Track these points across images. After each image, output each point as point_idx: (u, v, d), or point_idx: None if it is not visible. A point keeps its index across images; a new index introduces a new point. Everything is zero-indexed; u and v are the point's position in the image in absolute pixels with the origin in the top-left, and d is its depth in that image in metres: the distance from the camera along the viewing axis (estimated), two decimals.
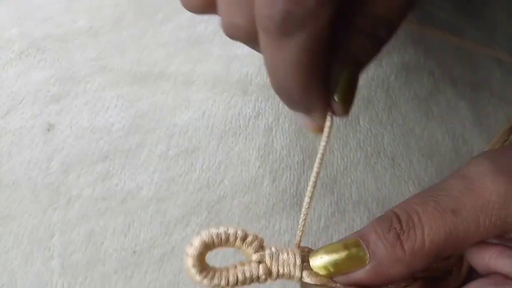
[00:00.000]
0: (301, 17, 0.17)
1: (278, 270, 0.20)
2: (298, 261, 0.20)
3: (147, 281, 0.27)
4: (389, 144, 0.31)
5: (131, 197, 0.29)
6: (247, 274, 0.20)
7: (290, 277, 0.20)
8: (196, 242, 0.19)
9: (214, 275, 0.19)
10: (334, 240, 0.28)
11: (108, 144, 0.30)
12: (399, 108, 0.33)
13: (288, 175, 0.30)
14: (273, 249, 0.20)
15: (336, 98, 0.20)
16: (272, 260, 0.20)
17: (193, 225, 0.29)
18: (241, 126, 0.31)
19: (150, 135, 0.30)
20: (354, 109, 0.32)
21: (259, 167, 0.30)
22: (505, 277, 0.21)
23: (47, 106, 0.30)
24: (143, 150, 0.30)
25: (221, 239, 0.19)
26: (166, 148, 0.30)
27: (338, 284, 0.21)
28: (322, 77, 0.20)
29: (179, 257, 0.28)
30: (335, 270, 0.20)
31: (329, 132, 0.21)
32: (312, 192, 0.21)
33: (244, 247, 0.20)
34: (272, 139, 0.31)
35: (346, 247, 0.20)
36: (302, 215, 0.21)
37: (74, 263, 0.27)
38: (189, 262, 0.19)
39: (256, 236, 0.20)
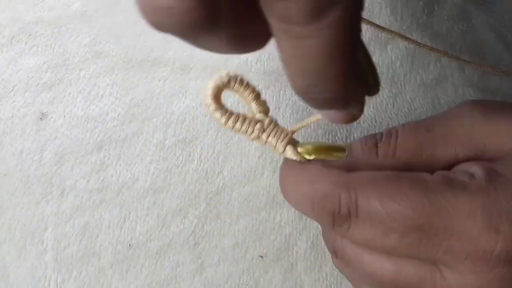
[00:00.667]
0: None
1: (267, 139, 0.22)
2: (285, 141, 0.23)
3: (143, 275, 0.26)
4: None
5: (126, 189, 0.28)
6: (243, 127, 0.22)
7: (274, 149, 0.23)
8: (223, 75, 0.20)
9: (222, 109, 0.21)
10: None
11: (103, 133, 0.29)
12: (405, 96, 0.31)
13: None
14: (273, 119, 0.22)
15: (370, 80, 0.21)
16: (267, 128, 0.22)
17: (191, 217, 0.28)
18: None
19: (146, 124, 0.29)
20: None
21: (259, 157, 0.29)
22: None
23: (39, 94, 0.29)
24: (139, 139, 0.29)
25: (242, 82, 0.21)
26: (163, 137, 0.29)
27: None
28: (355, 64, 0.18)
29: (176, 250, 0.27)
30: (315, 154, 0.22)
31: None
32: None
33: (253, 103, 0.22)
34: None
35: (332, 144, 0.24)
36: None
37: (68, 257, 0.26)
38: (210, 88, 0.20)
39: (265, 102, 0.22)
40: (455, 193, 0.19)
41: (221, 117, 0.21)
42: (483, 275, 0.19)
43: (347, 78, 0.17)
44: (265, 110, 0.22)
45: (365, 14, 0.33)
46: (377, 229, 0.20)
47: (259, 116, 0.22)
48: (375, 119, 0.30)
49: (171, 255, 0.27)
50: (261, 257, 0.27)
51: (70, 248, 0.26)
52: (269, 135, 0.22)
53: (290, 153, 0.23)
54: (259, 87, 0.30)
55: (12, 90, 0.29)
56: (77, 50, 0.30)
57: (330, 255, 0.25)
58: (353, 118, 0.21)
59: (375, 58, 0.32)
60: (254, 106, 0.22)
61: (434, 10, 0.34)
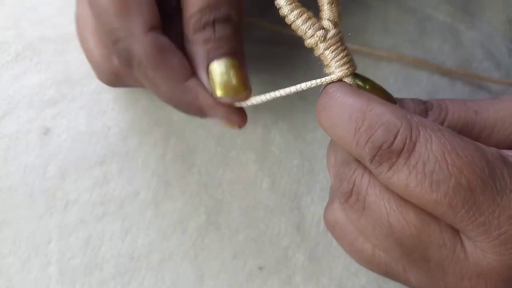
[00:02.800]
0: (123, 50, 0.23)
1: (324, 51, 0.20)
2: (341, 62, 0.20)
3: (145, 286, 0.26)
4: None
5: (128, 202, 0.28)
6: (303, 27, 0.19)
7: (326, 66, 0.20)
8: None
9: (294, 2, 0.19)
10: (334, 244, 0.28)
11: (105, 148, 0.29)
12: None
13: (287, 178, 0.30)
14: (339, 33, 0.20)
15: (217, 94, 0.23)
16: (332, 39, 0.20)
17: (191, 229, 0.28)
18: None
19: (148, 138, 0.29)
20: None
21: (257, 170, 0.29)
22: None
23: (43, 110, 0.29)
24: (140, 153, 0.29)
25: None
26: (164, 151, 0.29)
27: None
28: (188, 77, 0.23)
29: (177, 262, 0.27)
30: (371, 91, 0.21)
31: None
32: None
33: (325, 6, 0.20)
34: (271, 142, 0.30)
35: (387, 95, 0.22)
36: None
37: (72, 269, 0.26)
38: None
39: (339, 11, 0.20)
40: (509, 172, 0.18)
41: (285, 4, 0.19)
42: (506, 261, 0.18)
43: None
44: (336, 20, 0.20)
45: (359, 31, 0.33)
46: (426, 178, 0.18)
47: (326, 23, 0.20)
48: None
49: (172, 267, 0.27)
50: (260, 268, 0.27)
51: (74, 260, 0.26)
52: (327, 48, 0.20)
53: (344, 77, 0.20)
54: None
55: (16, 106, 0.29)
56: (80, 66, 0.31)
57: (334, 197, 0.23)
58: (235, 125, 0.25)
59: (369, 74, 0.32)
60: (325, 9, 0.20)
61: (425, 27, 0.35)
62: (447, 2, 0.35)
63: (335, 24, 0.20)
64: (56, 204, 0.27)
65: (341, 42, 0.20)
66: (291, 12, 0.19)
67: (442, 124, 0.21)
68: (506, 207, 0.18)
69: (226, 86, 0.23)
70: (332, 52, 0.20)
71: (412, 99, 0.22)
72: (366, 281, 0.27)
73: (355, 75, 0.20)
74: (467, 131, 0.21)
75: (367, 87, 0.21)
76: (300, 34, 0.19)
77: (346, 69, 0.20)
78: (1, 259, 0.26)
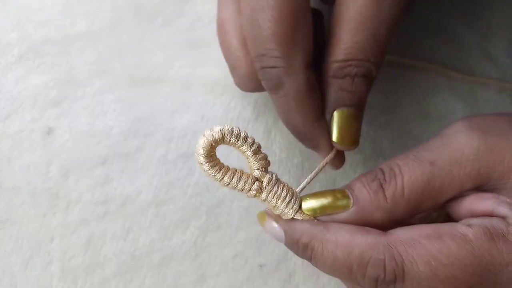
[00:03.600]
0: (276, 78, 0.23)
1: (267, 197, 0.21)
2: (295, 206, 0.21)
3: (146, 285, 0.26)
4: (387, 147, 0.31)
5: (130, 201, 0.28)
6: (240, 184, 0.20)
7: (274, 208, 0.21)
8: (217, 131, 0.19)
9: (216, 166, 0.19)
10: None
11: (107, 148, 0.29)
12: (398, 111, 0.32)
13: (287, 177, 0.30)
14: (274, 176, 0.21)
15: (333, 138, 0.23)
16: (268, 186, 0.21)
17: (192, 229, 0.28)
18: (241, 129, 0.30)
19: (149, 138, 0.29)
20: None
21: None
22: (487, 213, 0.21)
23: (46, 110, 0.30)
24: (142, 154, 0.29)
25: (239, 137, 0.19)
26: (165, 151, 0.29)
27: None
28: (319, 119, 0.23)
29: (178, 261, 0.27)
30: (321, 212, 0.21)
31: (323, 166, 0.24)
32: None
33: (251, 159, 0.20)
34: (271, 141, 0.30)
35: (333, 194, 0.22)
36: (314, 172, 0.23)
37: (74, 267, 0.26)
38: (202, 145, 0.19)
39: (266, 157, 0.20)
40: (498, 247, 0.19)
41: (215, 174, 0.19)
42: None
43: (302, 129, 0.24)
44: (265, 166, 0.20)
45: None
46: None
47: (257, 173, 0.20)
48: (369, 133, 0.31)
49: (173, 265, 0.27)
50: (261, 267, 0.27)
51: (76, 258, 0.27)
52: (268, 194, 0.21)
53: (294, 214, 0.21)
54: (258, 103, 0.31)
55: (20, 106, 0.30)
56: (82, 68, 0.31)
57: None
58: (334, 167, 0.25)
59: None
60: (252, 161, 0.20)
61: (425, 28, 0.35)
62: (446, 3, 0.35)
63: (266, 170, 0.20)
64: (58, 203, 0.28)
65: (277, 183, 0.21)
66: (223, 177, 0.20)
67: (402, 192, 0.21)
68: (508, 279, 0.19)
69: (343, 133, 0.23)
70: (273, 196, 0.21)
71: (362, 181, 0.22)
72: None
73: (304, 204, 0.22)
74: (429, 188, 0.21)
75: (319, 215, 0.22)
76: (239, 191, 0.20)
77: (292, 206, 0.21)
78: (4, 257, 0.26)
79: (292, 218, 0.21)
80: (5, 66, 0.30)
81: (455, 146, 0.21)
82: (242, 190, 0.20)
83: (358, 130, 0.24)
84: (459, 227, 0.20)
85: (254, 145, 0.20)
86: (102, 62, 0.31)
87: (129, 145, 0.29)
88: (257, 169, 0.20)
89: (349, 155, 0.30)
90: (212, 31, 0.32)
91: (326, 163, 0.24)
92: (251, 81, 0.25)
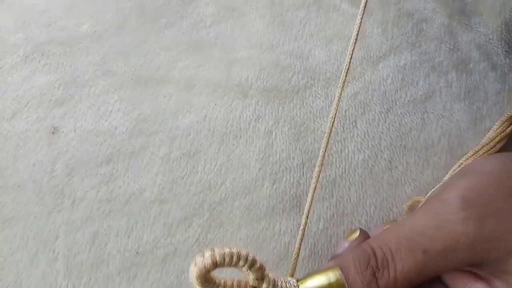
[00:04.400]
0: None
1: None
2: None
3: (150, 282, 0.27)
4: (386, 147, 0.31)
5: (134, 199, 0.28)
6: None
7: None
8: (208, 259, 0.18)
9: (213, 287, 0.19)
10: (333, 242, 0.28)
11: (111, 147, 0.29)
12: (396, 111, 0.32)
13: (288, 177, 0.30)
14: (270, 277, 0.21)
15: None
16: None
17: (195, 226, 0.28)
18: (242, 129, 0.30)
19: (153, 138, 0.30)
20: (352, 112, 0.32)
21: (259, 169, 0.30)
22: None
23: (51, 110, 0.30)
24: (146, 152, 0.29)
25: (232, 260, 0.19)
26: (169, 150, 0.30)
27: None
28: None
29: (181, 258, 0.27)
30: None
31: None
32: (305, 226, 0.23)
33: (246, 271, 0.20)
34: (272, 142, 0.31)
35: (327, 275, 0.21)
36: (296, 248, 0.23)
37: (79, 264, 0.27)
38: (195, 274, 0.18)
39: (262, 266, 0.20)
40: None
41: None
42: None
43: None
44: (261, 275, 0.20)
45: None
46: None
47: (253, 282, 0.20)
48: (368, 133, 0.31)
49: (177, 262, 0.27)
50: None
51: (80, 255, 0.27)
52: None
53: None
54: (259, 104, 0.31)
55: (25, 106, 0.30)
56: (87, 68, 0.31)
57: None
58: None
59: (368, 76, 0.33)
60: (248, 274, 0.20)
61: (423, 29, 0.35)
62: (444, 4, 0.35)
63: (262, 278, 0.20)
64: (63, 201, 0.28)
65: (274, 286, 0.21)
66: None
67: (395, 283, 0.21)
68: None
69: None
70: None
71: (355, 264, 0.21)
72: None
73: None
74: (422, 275, 0.21)
75: None
76: None
77: None
78: (10, 255, 0.27)
79: None
80: (11, 66, 0.31)
81: (450, 234, 0.21)
82: None
83: None
84: None
85: (248, 260, 0.19)
86: (106, 62, 0.31)
87: (133, 144, 0.29)
88: (254, 279, 0.20)
89: (348, 156, 0.30)
90: (214, 33, 0.33)
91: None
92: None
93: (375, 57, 0.33)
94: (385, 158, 0.30)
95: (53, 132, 0.29)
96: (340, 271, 0.21)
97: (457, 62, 0.34)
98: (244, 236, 0.28)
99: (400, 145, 0.31)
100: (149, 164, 0.29)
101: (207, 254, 0.18)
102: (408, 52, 0.34)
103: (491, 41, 0.35)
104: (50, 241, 0.27)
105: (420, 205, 0.26)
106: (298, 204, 0.29)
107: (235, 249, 0.19)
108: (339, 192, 0.29)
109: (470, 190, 0.22)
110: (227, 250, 0.19)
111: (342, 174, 0.30)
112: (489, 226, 0.21)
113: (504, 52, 0.35)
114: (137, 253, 0.27)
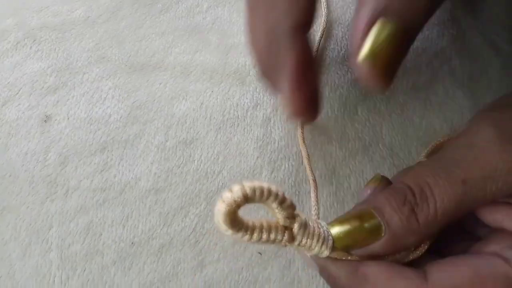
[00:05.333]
0: None
1: (301, 244, 0.19)
2: (328, 246, 0.20)
3: (145, 272, 0.26)
4: (387, 134, 0.30)
5: (129, 188, 0.27)
6: (272, 237, 0.18)
7: (310, 249, 0.20)
8: (238, 192, 0.16)
9: (241, 229, 0.17)
10: None
11: (105, 135, 0.28)
12: (397, 97, 0.31)
13: (287, 165, 0.29)
14: (303, 221, 0.19)
15: (363, 51, 0.18)
16: (299, 233, 0.19)
17: (191, 216, 0.27)
18: (239, 116, 0.30)
19: (148, 125, 0.29)
20: (352, 99, 0.31)
21: (257, 157, 0.29)
22: None
23: (43, 97, 0.29)
24: (141, 141, 0.29)
25: (262, 194, 0.17)
26: (164, 139, 0.29)
27: (354, 256, 0.20)
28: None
29: (178, 248, 0.27)
30: (352, 243, 0.20)
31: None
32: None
33: (277, 209, 0.18)
34: (270, 129, 0.30)
35: (360, 218, 0.20)
36: (313, 192, 0.22)
37: (73, 255, 0.26)
38: (224, 212, 0.16)
39: (292, 203, 0.18)
40: None
41: (242, 236, 0.17)
42: None
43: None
44: (292, 213, 0.19)
45: None
46: None
47: (285, 221, 0.19)
48: (369, 120, 0.30)
49: (173, 252, 0.26)
50: (260, 254, 0.27)
51: (74, 246, 0.26)
52: (301, 241, 0.19)
53: (329, 254, 0.20)
54: (257, 90, 0.30)
55: (17, 93, 0.29)
56: (80, 54, 0.30)
57: None
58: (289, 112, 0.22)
59: None
60: (278, 211, 0.18)
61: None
62: None
63: (293, 216, 0.19)
64: (57, 190, 0.27)
65: (308, 227, 0.19)
66: (251, 236, 0.18)
67: (435, 216, 0.20)
68: None
69: (379, 50, 0.19)
70: (306, 242, 0.19)
71: (391, 202, 0.20)
72: None
73: (336, 243, 0.20)
74: (462, 207, 0.20)
75: (339, 246, 0.20)
76: (273, 244, 0.19)
77: (326, 247, 0.20)
78: (2, 245, 0.26)
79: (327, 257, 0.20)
80: (1, 53, 0.30)
81: (488, 160, 0.20)
82: (274, 242, 0.19)
83: (399, 60, 0.20)
84: (499, 266, 0.19)
85: (279, 195, 0.17)
86: (100, 48, 0.31)
87: (128, 132, 0.29)
88: (284, 218, 0.18)
89: (348, 143, 0.30)
90: (211, 17, 0.32)
91: (303, 139, 0.22)
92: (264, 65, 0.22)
93: None
94: (386, 145, 0.30)
95: (45, 120, 0.28)
96: (373, 212, 0.20)
97: (460, 49, 0.33)
98: None
99: (402, 132, 0.30)
100: (144, 152, 0.28)
101: (237, 188, 0.16)
102: None
103: (495, 27, 0.34)
104: (43, 231, 0.26)
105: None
106: (297, 192, 0.28)
107: (264, 183, 0.17)
108: (339, 179, 0.28)
109: (504, 119, 0.21)
110: (256, 183, 0.17)
111: (342, 161, 0.29)
112: None
113: (508, 38, 0.34)
114: (132, 243, 0.26)
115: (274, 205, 0.18)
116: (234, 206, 0.16)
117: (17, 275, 0.26)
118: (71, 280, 0.25)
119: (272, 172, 0.29)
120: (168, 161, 0.28)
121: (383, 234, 0.20)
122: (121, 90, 0.30)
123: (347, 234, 0.20)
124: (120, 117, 0.29)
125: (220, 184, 0.28)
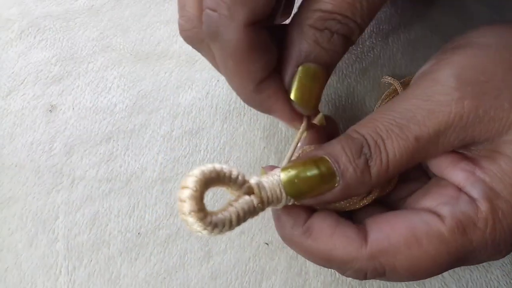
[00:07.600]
0: (214, 25, 0.19)
1: (268, 197, 0.19)
2: (279, 198, 0.19)
3: (152, 262, 0.26)
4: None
5: (135, 178, 0.27)
6: (246, 208, 0.18)
7: (278, 201, 0.19)
8: (196, 176, 0.16)
9: (216, 221, 0.17)
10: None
11: (111, 124, 0.28)
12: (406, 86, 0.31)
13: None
14: (255, 178, 0.19)
15: (291, 95, 0.21)
16: (259, 189, 0.19)
17: None
18: (246, 106, 0.29)
19: (154, 115, 0.28)
20: (361, 89, 0.30)
21: (264, 147, 0.28)
22: (457, 189, 0.20)
23: (48, 87, 0.28)
24: (146, 130, 0.28)
25: (219, 175, 0.17)
26: (170, 128, 0.28)
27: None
28: (264, 80, 0.21)
29: (184, 238, 0.26)
30: (305, 190, 0.20)
31: (301, 133, 0.22)
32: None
33: (231, 184, 0.18)
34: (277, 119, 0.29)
35: (315, 163, 0.20)
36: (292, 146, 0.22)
37: (79, 245, 0.26)
38: (188, 205, 0.16)
39: (238, 172, 0.18)
40: (469, 238, 0.19)
41: (213, 229, 0.17)
42: None
43: (245, 87, 0.21)
44: (243, 178, 0.18)
45: None
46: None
47: (243, 189, 0.19)
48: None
49: (179, 243, 0.26)
50: (267, 244, 0.26)
51: (81, 236, 0.26)
52: (266, 193, 0.19)
53: (286, 203, 0.20)
54: None
55: (22, 83, 0.28)
56: (85, 43, 0.30)
57: None
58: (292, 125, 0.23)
59: (377, 51, 0.31)
60: (233, 186, 0.18)
61: (434, 2, 0.33)
62: None
63: (251, 192, 0.19)
64: (63, 180, 0.27)
65: (261, 183, 0.19)
66: (228, 224, 0.18)
67: (387, 169, 0.20)
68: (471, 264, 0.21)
69: (304, 92, 0.21)
70: (267, 202, 0.19)
71: (347, 152, 0.20)
72: None
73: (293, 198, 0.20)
74: (412, 161, 0.20)
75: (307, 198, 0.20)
76: (248, 209, 0.18)
77: (286, 201, 0.20)
78: (9, 235, 0.26)
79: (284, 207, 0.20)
80: (6, 42, 0.29)
81: (443, 115, 0.19)
82: (251, 212, 0.18)
83: (319, 93, 0.21)
84: (434, 223, 0.19)
85: (233, 171, 0.18)
86: (105, 37, 0.30)
87: (134, 122, 0.28)
88: (240, 186, 0.18)
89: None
90: None
91: (301, 135, 0.22)
92: (196, 25, 0.21)
93: (384, 30, 0.32)
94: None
95: (50, 110, 0.28)
96: (328, 159, 0.20)
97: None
98: None
99: None
100: (150, 142, 0.28)
101: (194, 172, 0.16)
102: (418, 25, 0.32)
103: (505, 12, 0.33)
104: (50, 221, 0.26)
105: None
106: None
107: (215, 164, 0.17)
108: None
109: (465, 67, 0.20)
110: (212, 165, 0.17)
111: None
112: (485, 105, 0.19)
113: None
114: (138, 233, 0.26)
115: (231, 181, 0.18)
116: (197, 194, 0.16)
117: (23, 265, 0.25)
118: (77, 271, 0.25)
119: (279, 162, 0.28)
120: (174, 151, 0.28)
121: (336, 185, 0.20)
122: (126, 79, 0.29)
123: (301, 179, 0.20)
124: (126, 107, 0.28)
125: None
